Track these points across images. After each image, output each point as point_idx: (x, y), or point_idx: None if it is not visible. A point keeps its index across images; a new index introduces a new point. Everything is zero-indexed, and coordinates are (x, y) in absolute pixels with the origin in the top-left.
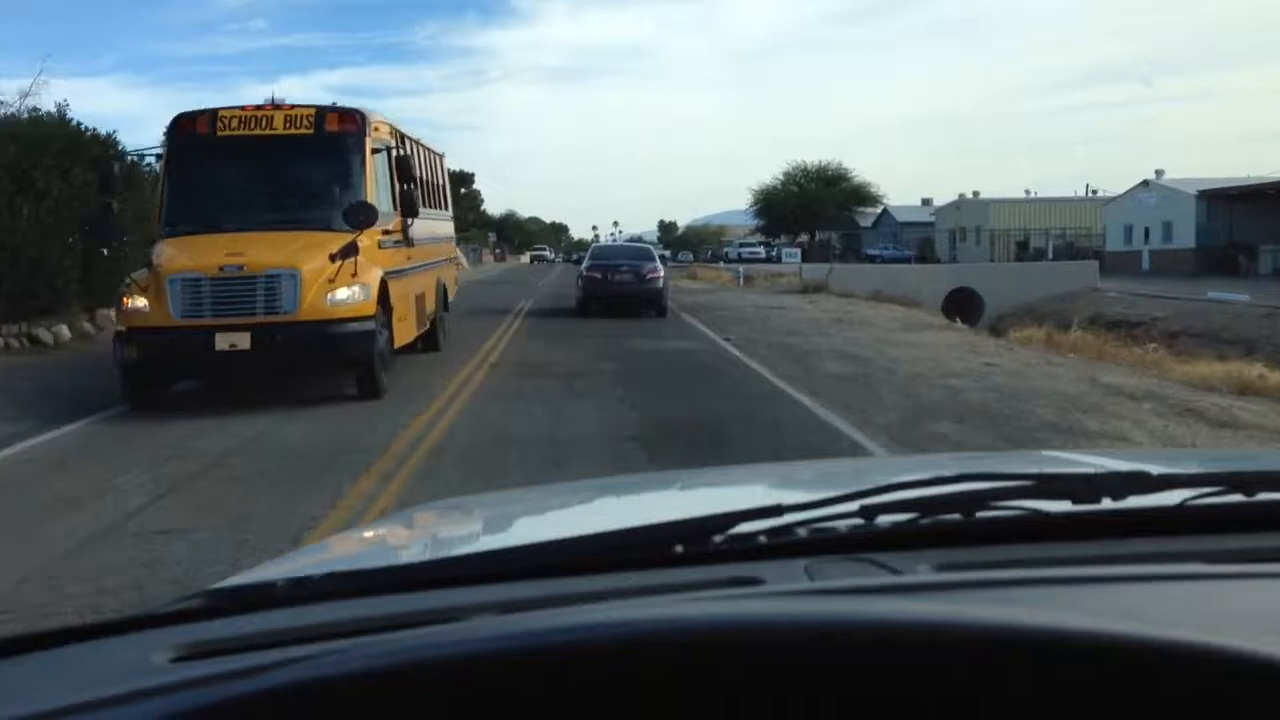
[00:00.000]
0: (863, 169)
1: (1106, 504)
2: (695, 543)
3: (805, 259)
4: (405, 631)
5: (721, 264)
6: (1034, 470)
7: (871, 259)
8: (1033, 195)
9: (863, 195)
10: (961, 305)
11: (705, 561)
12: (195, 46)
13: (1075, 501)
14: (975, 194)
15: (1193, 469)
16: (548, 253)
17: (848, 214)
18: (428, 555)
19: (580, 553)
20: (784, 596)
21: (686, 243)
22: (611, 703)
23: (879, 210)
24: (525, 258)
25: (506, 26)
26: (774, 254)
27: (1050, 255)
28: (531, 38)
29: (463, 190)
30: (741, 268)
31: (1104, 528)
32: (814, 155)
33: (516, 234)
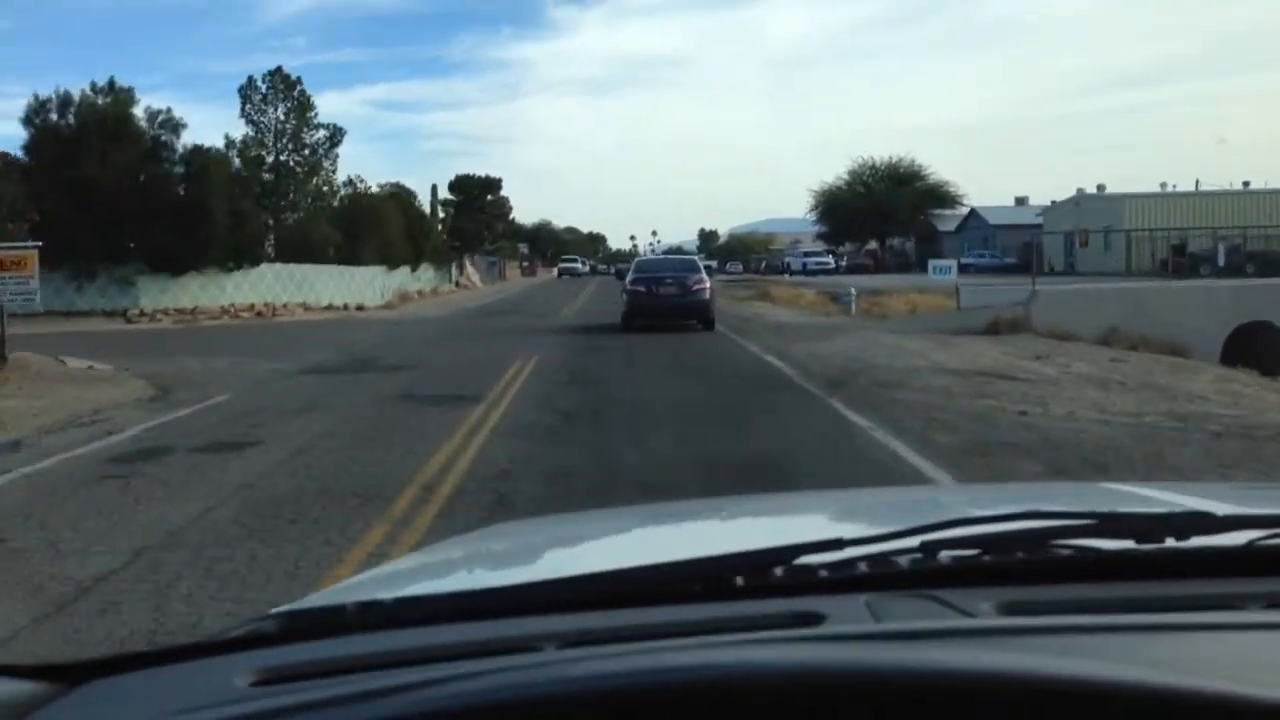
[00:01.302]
0: (939, 166)
1: (1170, 544)
2: (756, 575)
3: (853, 268)
4: (478, 662)
5: (786, 276)
6: (1099, 508)
7: (965, 268)
8: (1170, 189)
9: (940, 195)
10: (1256, 348)
11: (766, 594)
12: (237, 64)
13: (1139, 541)
14: (1100, 188)
15: (1259, 509)
16: (580, 264)
17: (924, 217)
18: (492, 581)
19: (645, 583)
20: (851, 641)
21: (732, 252)
22: None
23: (961, 212)
24: (555, 271)
25: (542, 39)
26: (842, 264)
27: (1222, 260)
28: (567, 49)
29: (489, 197)
30: (853, 289)
31: (1167, 569)
32: (874, 153)
33: (551, 245)
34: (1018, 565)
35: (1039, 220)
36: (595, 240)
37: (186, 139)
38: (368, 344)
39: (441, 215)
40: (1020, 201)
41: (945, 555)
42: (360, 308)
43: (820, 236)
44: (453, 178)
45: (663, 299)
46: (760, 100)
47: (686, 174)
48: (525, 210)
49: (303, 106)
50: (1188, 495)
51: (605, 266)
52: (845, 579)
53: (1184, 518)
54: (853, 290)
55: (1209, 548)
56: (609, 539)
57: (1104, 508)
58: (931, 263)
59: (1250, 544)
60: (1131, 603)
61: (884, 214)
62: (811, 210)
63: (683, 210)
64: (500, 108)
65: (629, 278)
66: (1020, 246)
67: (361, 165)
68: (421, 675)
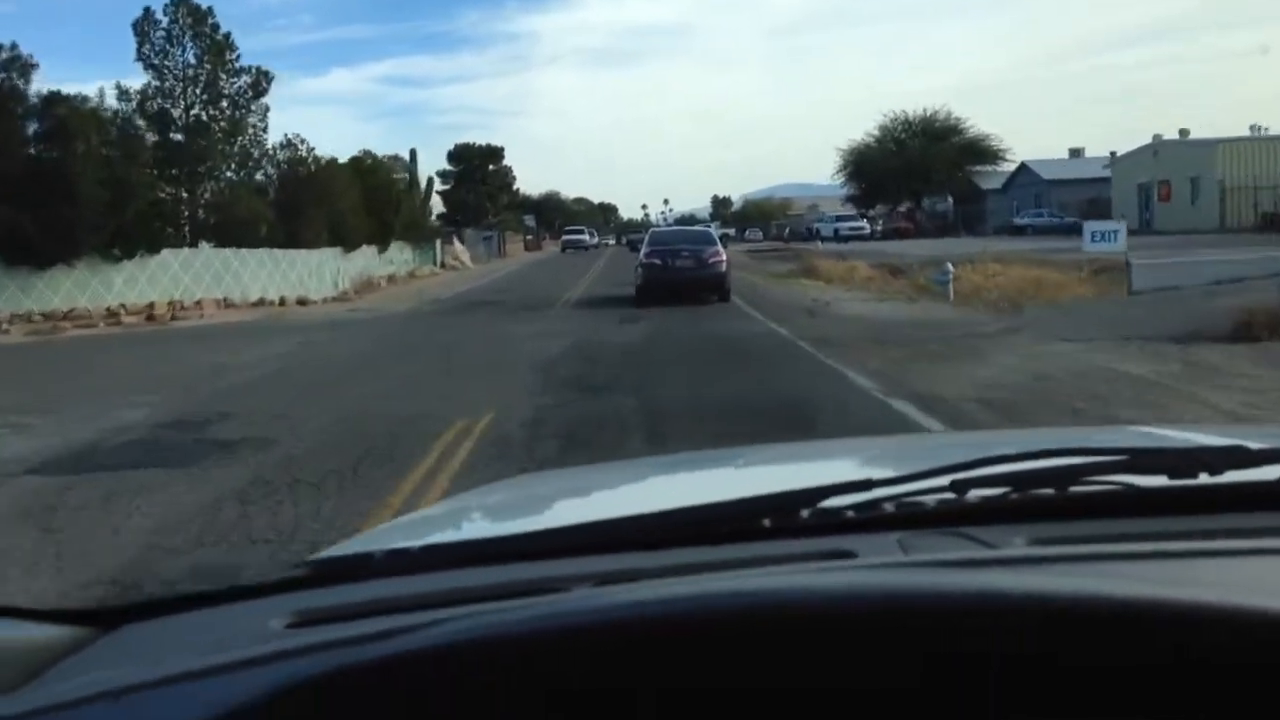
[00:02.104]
0: (979, 118)
1: (1204, 479)
2: (783, 516)
3: (888, 233)
4: (510, 601)
5: (818, 244)
6: (1128, 444)
7: (1020, 230)
8: (1264, 132)
9: (980, 150)
10: None
11: (794, 535)
12: (245, 43)
13: (1172, 476)
14: (1183, 133)
15: None
16: (587, 235)
17: (964, 174)
18: (518, 528)
19: (673, 526)
20: (884, 569)
21: (749, 218)
22: (720, 671)
23: (1005, 168)
24: (560, 246)
25: (547, 11)
26: (876, 229)
27: None
28: (573, 21)
29: (490, 168)
30: (950, 265)
31: (1201, 503)
32: (904, 107)
33: (559, 216)
34: (1049, 501)
35: (1106, 173)
36: (606, 210)
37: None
38: (246, 377)
39: (431, 185)
40: (1075, 154)
41: (975, 493)
42: (303, 301)
43: (849, 199)
44: (451, 147)
45: (679, 272)
46: (767, 66)
47: (696, 142)
48: (535, 182)
49: (218, 47)
50: (1216, 436)
51: (628, 239)
52: (874, 519)
53: (1217, 452)
54: (950, 267)
55: (1243, 482)
56: (634, 486)
57: (1137, 445)
58: (1089, 227)
59: None
60: (1165, 536)
61: (919, 173)
62: (839, 172)
63: (694, 178)
64: (508, 81)
65: (643, 250)
66: (1083, 204)
67: (371, 142)
68: (451, 614)
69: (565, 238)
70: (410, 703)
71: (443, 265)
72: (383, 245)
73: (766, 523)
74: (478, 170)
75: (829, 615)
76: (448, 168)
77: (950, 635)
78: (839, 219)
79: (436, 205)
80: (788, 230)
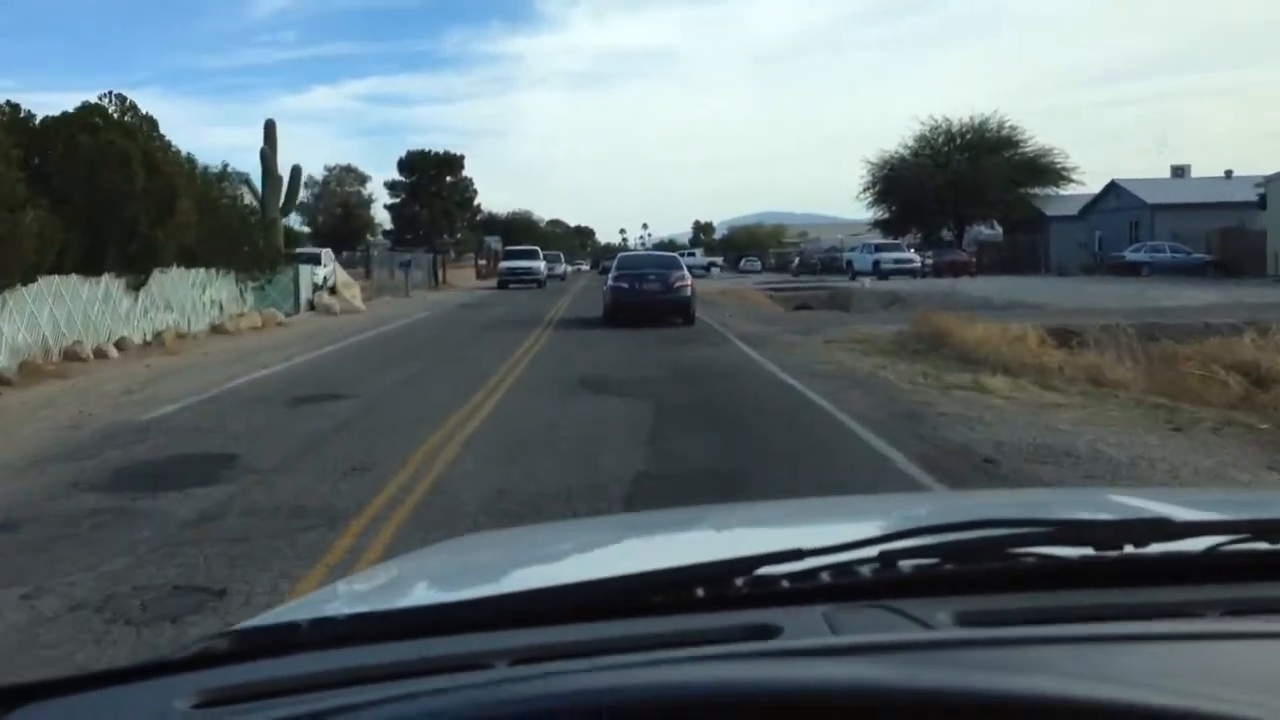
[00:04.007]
0: (1038, 131)
1: (1129, 550)
2: (716, 586)
3: (941, 269)
4: (426, 680)
5: (864, 282)
6: (1061, 515)
7: (1133, 268)
8: None
9: (1041, 168)
10: None
11: (726, 606)
12: (226, 60)
13: (1098, 548)
14: None
15: (1218, 515)
16: (539, 264)
17: (1022, 195)
18: (448, 597)
19: (602, 597)
20: (805, 656)
21: (736, 245)
22: None
23: (1076, 191)
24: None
25: (531, 33)
26: (926, 265)
27: None
28: (556, 44)
29: (448, 178)
30: None
31: (1126, 576)
32: (950, 112)
33: (530, 239)
34: (976, 574)
35: (1259, 193)
36: (583, 234)
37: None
38: None
39: (298, 178)
40: (1180, 172)
41: (904, 565)
42: None
43: (876, 224)
44: (403, 154)
45: (646, 295)
46: (752, 93)
47: (678, 167)
48: (511, 204)
49: None
50: (1152, 501)
51: (603, 265)
52: (806, 589)
53: (1142, 525)
54: None
55: (1168, 554)
56: (577, 552)
57: (1066, 515)
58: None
59: (1210, 550)
60: (1090, 611)
61: (968, 193)
62: (865, 190)
63: (675, 203)
64: (490, 101)
65: (611, 274)
66: (1212, 234)
67: (352, 159)
68: (366, 695)
69: (505, 265)
70: None
71: (311, 306)
72: (138, 273)
73: (700, 593)
74: (433, 181)
75: (742, 707)
76: (398, 178)
77: None
78: (879, 249)
79: (384, 222)
80: (797, 262)
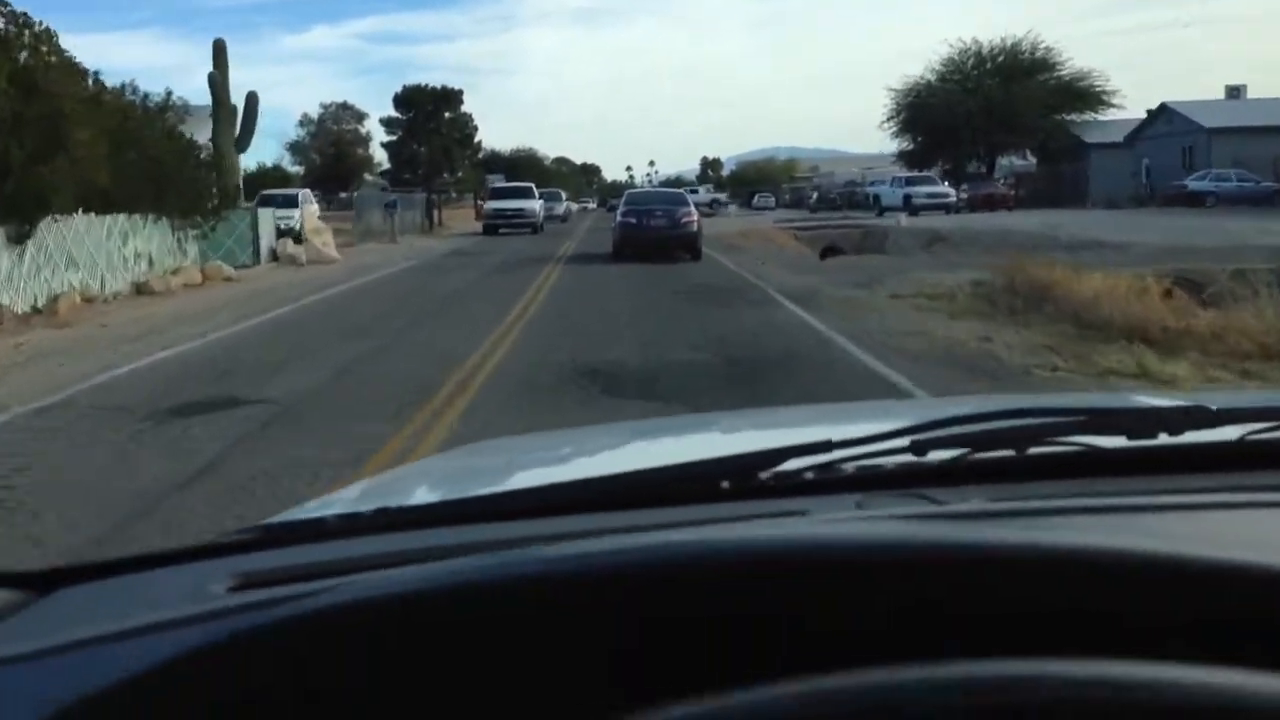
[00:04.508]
0: (1076, 52)
1: (1163, 439)
2: (741, 478)
3: (976, 203)
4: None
5: (900, 219)
6: (1088, 405)
7: (1196, 199)
8: None
9: (1079, 93)
10: None
11: (752, 496)
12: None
13: (1131, 437)
14: None
15: (1251, 403)
16: (533, 203)
17: (1059, 122)
18: (472, 491)
19: (627, 487)
20: (832, 522)
21: (746, 181)
22: (666, 624)
23: (1117, 116)
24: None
25: None
26: (957, 199)
27: None
28: None
29: (446, 114)
30: None
31: (1161, 463)
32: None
33: (535, 177)
34: (1007, 462)
35: None
36: (589, 172)
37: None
38: None
39: (254, 107)
40: (1234, 93)
41: (934, 455)
42: None
43: (901, 156)
44: (399, 89)
45: (653, 231)
46: (758, 27)
47: (684, 103)
48: (517, 142)
49: None
50: (1175, 399)
51: (612, 203)
52: (833, 480)
53: (1176, 412)
54: None
55: (1202, 443)
56: (601, 451)
57: (1096, 405)
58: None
59: (1243, 438)
60: (1122, 494)
61: (1001, 120)
62: (889, 120)
63: (681, 139)
64: (492, 40)
65: (619, 210)
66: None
67: (352, 98)
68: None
69: (491, 205)
70: (350, 656)
71: (274, 256)
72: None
73: (725, 484)
74: (431, 118)
75: (779, 564)
76: (394, 114)
77: (902, 586)
78: (910, 181)
79: (384, 161)
80: (815, 197)
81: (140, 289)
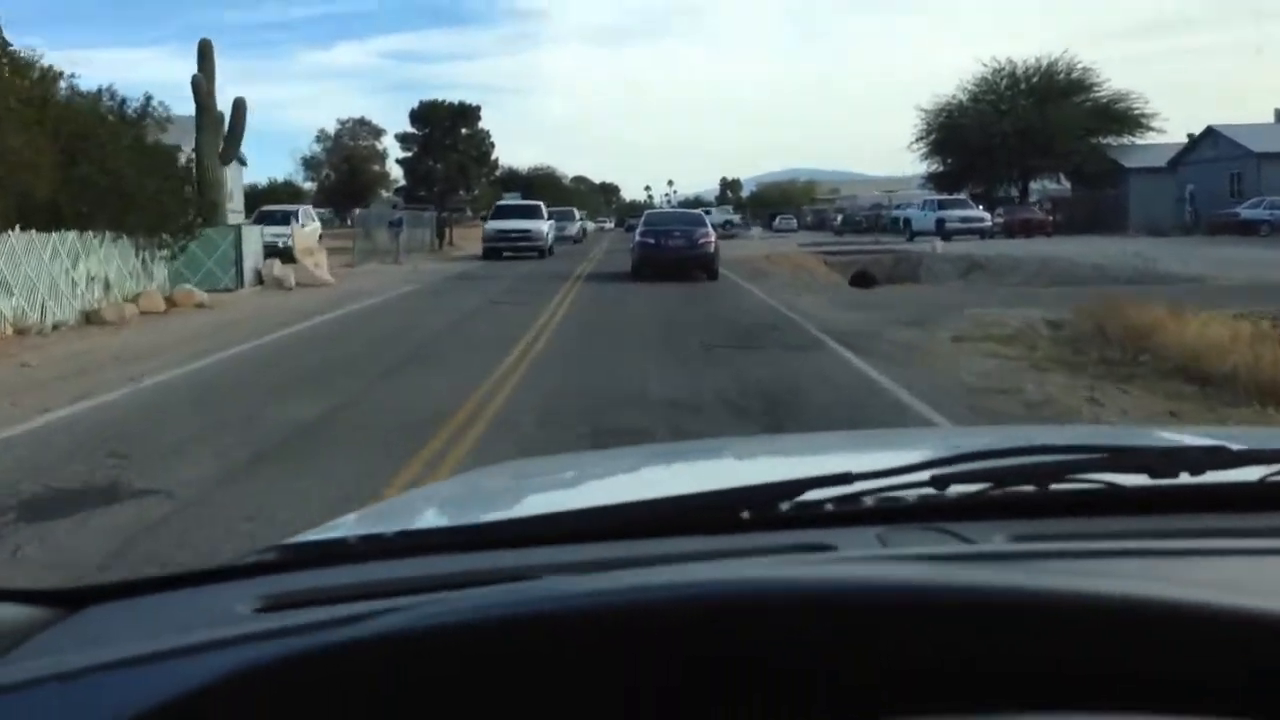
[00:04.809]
0: (1113, 73)
1: (1184, 479)
2: (762, 508)
3: (1012, 228)
4: (485, 589)
5: (936, 245)
6: (1109, 443)
7: (1248, 228)
8: None
9: (1117, 114)
10: None
11: (772, 527)
12: (252, 14)
13: (1153, 476)
14: None
15: (1272, 444)
16: (540, 224)
17: (1096, 145)
18: (496, 516)
19: (647, 516)
20: (861, 562)
21: (766, 203)
22: (685, 661)
23: (1154, 140)
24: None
25: None
26: (995, 224)
27: None
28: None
29: (463, 130)
30: None
31: (1182, 503)
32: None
33: (552, 196)
34: (1029, 498)
35: None
36: (608, 191)
37: None
38: None
39: (242, 113)
40: None
41: (955, 489)
42: None
43: (931, 179)
44: (415, 104)
45: (671, 251)
46: (777, 50)
47: (704, 124)
48: (536, 161)
49: None
50: (1196, 436)
51: (629, 223)
52: (853, 513)
53: (1198, 452)
54: None
55: (1224, 483)
56: (620, 476)
57: (1117, 444)
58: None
59: (1264, 479)
60: (1145, 534)
61: (1037, 142)
62: (918, 141)
63: (701, 160)
64: (514, 59)
65: (638, 230)
66: None
67: (374, 116)
68: (424, 600)
69: (492, 225)
70: (378, 687)
71: (260, 279)
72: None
73: (745, 515)
74: (448, 134)
75: (805, 608)
76: (410, 130)
77: (925, 631)
78: (942, 205)
79: (399, 178)
80: (840, 220)
81: (90, 318)
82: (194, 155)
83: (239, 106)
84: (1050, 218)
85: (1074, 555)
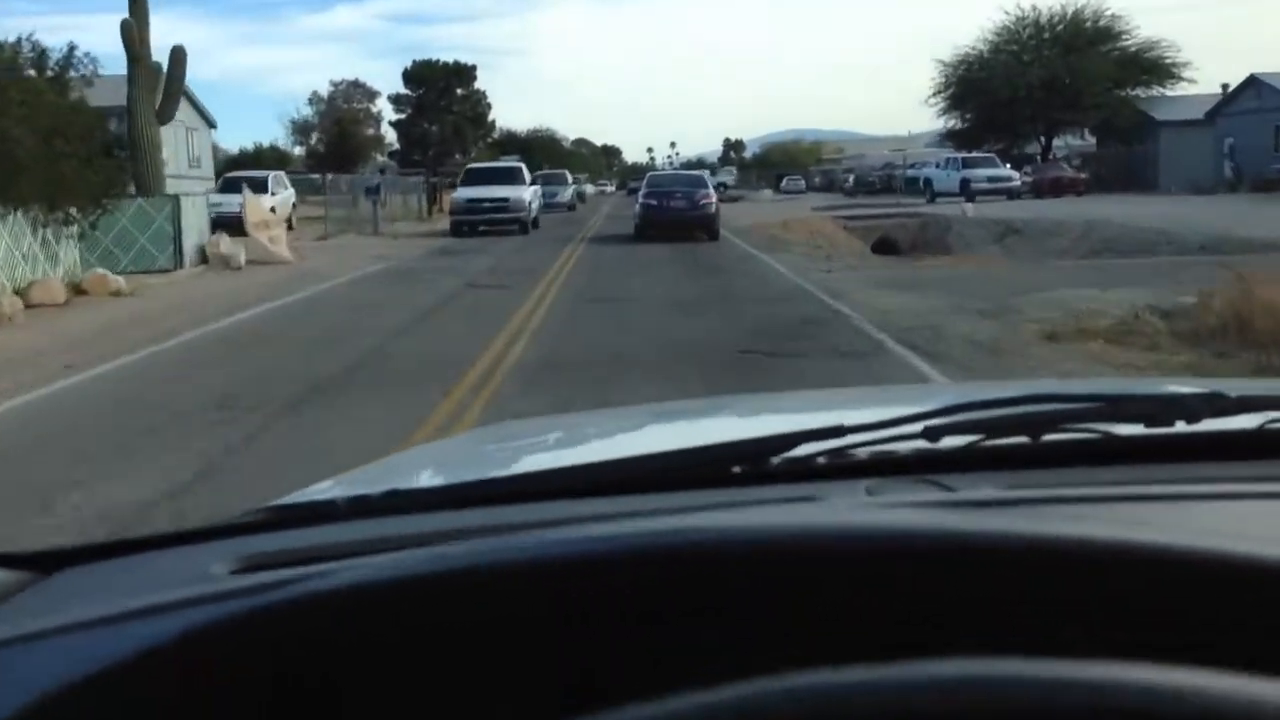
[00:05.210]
0: (1145, 20)
1: (1181, 427)
2: (753, 462)
3: (1040, 188)
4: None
5: (967, 207)
6: (1106, 392)
7: None
8: None
9: (1146, 64)
10: None
11: (763, 482)
12: None
13: (1149, 425)
14: None
15: (1270, 391)
16: (522, 195)
17: (1125, 97)
18: (484, 474)
19: (635, 471)
20: (845, 509)
21: (771, 164)
22: (669, 609)
23: (1185, 91)
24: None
25: None
26: (1019, 182)
27: None
28: None
29: (459, 91)
30: None
31: (1178, 451)
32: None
33: (551, 159)
34: (1022, 449)
35: None
36: (609, 153)
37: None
38: None
39: (180, 62)
40: None
41: (948, 440)
42: None
43: (949, 136)
44: (409, 64)
45: (673, 212)
46: (782, 9)
47: (705, 85)
48: (536, 123)
49: None
50: (1192, 385)
51: (619, 184)
52: (846, 465)
53: (1195, 399)
54: None
55: (1221, 431)
56: (613, 435)
57: (1112, 392)
58: None
59: (1262, 426)
60: (1139, 482)
61: (1064, 95)
62: (936, 95)
63: (703, 121)
64: (513, 20)
65: (641, 192)
66: None
67: (372, 80)
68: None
69: (462, 195)
70: (339, 641)
71: (204, 259)
72: None
73: (736, 469)
74: (443, 94)
75: (786, 552)
76: (404, 91)
77: (912, 575)
78: (967, 163)
79: (394, 141)
80: (852, 180)
81: None
82: (128, 112)
83: (178, 56)
84: (1083, 175)
85: (1062, 501)
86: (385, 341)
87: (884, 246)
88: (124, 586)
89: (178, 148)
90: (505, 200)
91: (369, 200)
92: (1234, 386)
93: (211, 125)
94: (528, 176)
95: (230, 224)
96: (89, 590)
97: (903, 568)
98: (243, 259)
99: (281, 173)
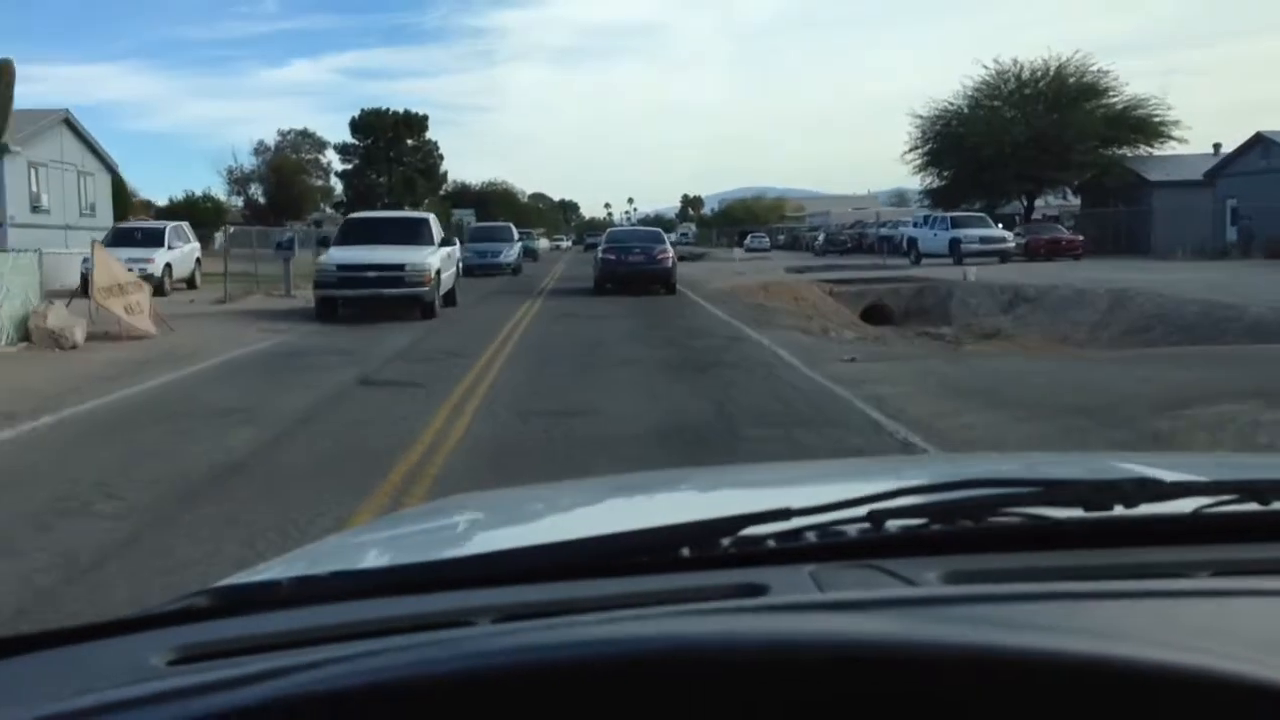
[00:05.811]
0: (1133, 78)
1: (1118, 511)
2: (702, 546)
3: (1037, 249)
4: (409, 637)
5: (971, 273)
6: (1045, 475)
7: None
8: None
9: (1136, 122)
10: None
11: (712, 566)
12: (206, 31)
13: (1087, 509)
14: None
15: (1207, 476)
16: (422, 261)
17: (1113, 156)
18: (434, 555)
19: (586, 556)
20: (790, 611)
21: (734, 220)
22: (614, 716)
23: (1176, 151)
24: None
25: (517, 5)
26: (1013, 243)
27: None
28: (541, 17)
29: (409, 141)
30: None
31: (1116, 536)
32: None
33: (507, 213)
34: (964, 534)
35: None
36: (567, 208)
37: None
38: None
39: (8, 76)
40: None
41: (892, 524)
42: None
43: (928, 194)
44: (357, 113)
45: (631, 266)
46: (735, 71)
47: (663, 142)
48: (495, 178)
49: None
50: (1133, 464)
51: (576, 238)
52: (792, 549)
53: (1131, 485)
54: None
55: (1156, 515)
56: (565, 512)
57: (1055, 475)
58: None
59: (1197, 512)
60: (1079, 571)
61: (1052, 152)
62: (912, 150)
63: (661, 178)
64: (473, 76)
65: (600, 247)
66: None
67: (326, 132)
68: (344, 651)
69: (332, 257)
70: None
71: (26, 335)
72: None
73: (686, 553)
74: (392, 145)
75: (723, 660)
76: (350, 140)
77: (854, 679)
78: (956, 223)
79: (338, 192)
80: (822, 239)
81: None
82: None
83: (5, 73)
84: (1080, 238)
85: (999, 599)
86: (197, 490)
87: (876, 314)
88: (57, 681)
89: (65, 194)
90: (400, 268)
91: (281, 257)
92: (1179, 467)
93: (111, 170)
94: (435, 233)
95: (84, 287)
96: (20, 685)
97: (847, 672)
98: (79, 335)
99: (184, 224)
